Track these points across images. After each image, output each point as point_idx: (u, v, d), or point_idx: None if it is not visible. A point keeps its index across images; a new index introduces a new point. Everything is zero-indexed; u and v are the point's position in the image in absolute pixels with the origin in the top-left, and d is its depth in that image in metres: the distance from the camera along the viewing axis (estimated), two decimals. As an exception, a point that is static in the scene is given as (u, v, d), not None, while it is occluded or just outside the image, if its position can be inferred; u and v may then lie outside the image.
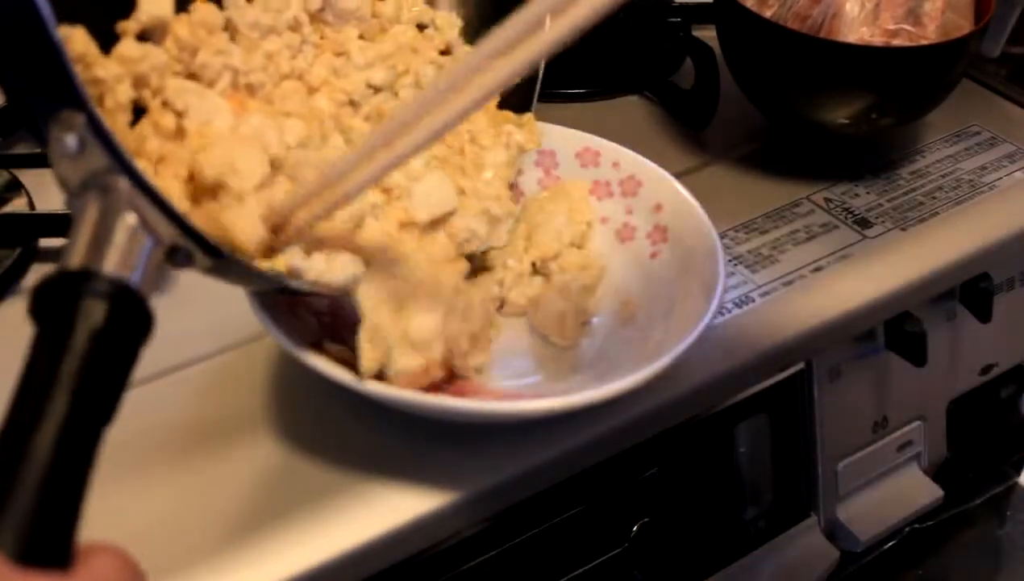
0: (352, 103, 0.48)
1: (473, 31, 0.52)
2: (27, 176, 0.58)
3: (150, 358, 0.48)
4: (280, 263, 0.40)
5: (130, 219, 0.32)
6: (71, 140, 0.31)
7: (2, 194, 0.58)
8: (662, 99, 0.66)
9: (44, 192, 0.57)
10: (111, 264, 0.30)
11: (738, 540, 0.55)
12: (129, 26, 0.42)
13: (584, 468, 0.47)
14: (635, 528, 0.51)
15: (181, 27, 0.43)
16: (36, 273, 0.52)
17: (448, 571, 0.45)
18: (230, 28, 0.45)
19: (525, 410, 0.42)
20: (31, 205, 0.57)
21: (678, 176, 0.51)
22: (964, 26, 0.57)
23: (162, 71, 0.41)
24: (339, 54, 0.48)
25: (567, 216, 0.51)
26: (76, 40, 0.39)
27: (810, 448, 0.57)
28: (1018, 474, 0.70)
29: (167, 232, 0.33)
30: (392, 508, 0.42)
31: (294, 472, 0.43)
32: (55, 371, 0.28)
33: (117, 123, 0.40)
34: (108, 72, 0.40)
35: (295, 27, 0.47)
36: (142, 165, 0.39)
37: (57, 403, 0.28)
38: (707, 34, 0.65)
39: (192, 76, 0.43)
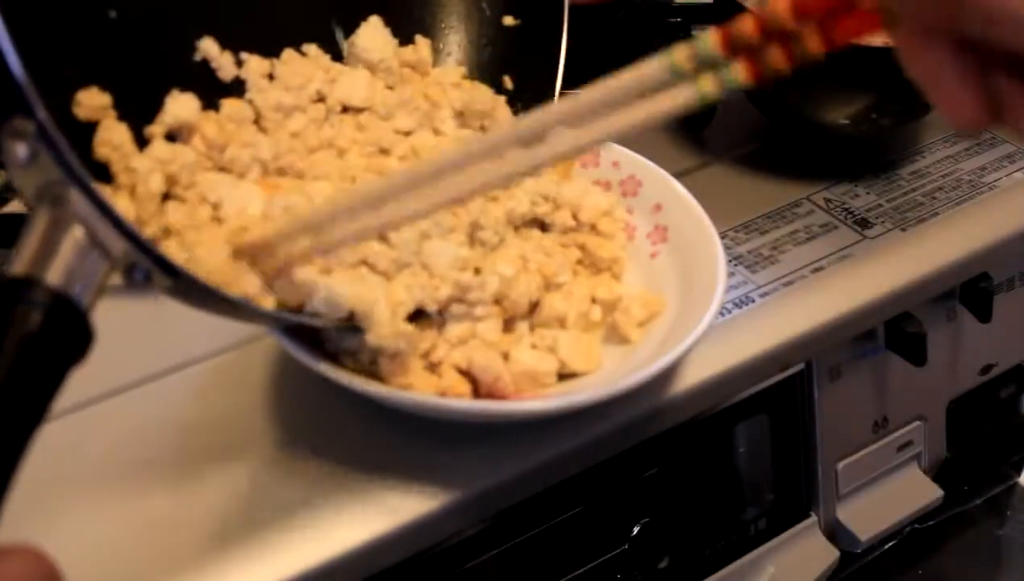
0: (383, 151, 0.47)
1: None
2: (27, 176, 0.58)
3: (150, 358, 0.48)
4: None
5: (77, 233, 0.31)
6: (21, 149, 0.31)
7: (2, 194, 0.58)
8: (662, 99, 0.66)
9: (44, 192, 0.57)
10: (54, 275, 0.30)
11: (738, 540, 0.55)
12: (155, 129, 0.43)
13: (584, 468, 0.47)
14: (635, 528, 0.51)
15: (208, 126, 0.43)
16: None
17: (448, 571, 0.45)
18: (257, 116, 0.46)
19: (525, 410, 0.42)
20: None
21: (678, 176, 0.51)
22: (964, 26, 0.57)
23: (192, 168, 0.42)
24: (360, 110, 0.48)
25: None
26: (117, 132, 0.40)
27: (810, 448, 0.57)
28: (1018, 474, 0.70)
29: (120, 248, 0.32)
30: (392, 508, 0.42)
31: (294, 472, 0.43)
32: None
33: (146, 210, 0.40)
34: (141, 164, 0.40)
35: (319, 99, 0.47)
36: (173, 244, 0.39)
37: None
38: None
39: (222, 169, 0.44)
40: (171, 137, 0.43)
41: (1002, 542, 0.69)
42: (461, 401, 0.42)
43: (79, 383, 0.46)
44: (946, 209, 0.59)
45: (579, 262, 0.48)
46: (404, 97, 0.49)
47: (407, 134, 0.48)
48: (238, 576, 0.40)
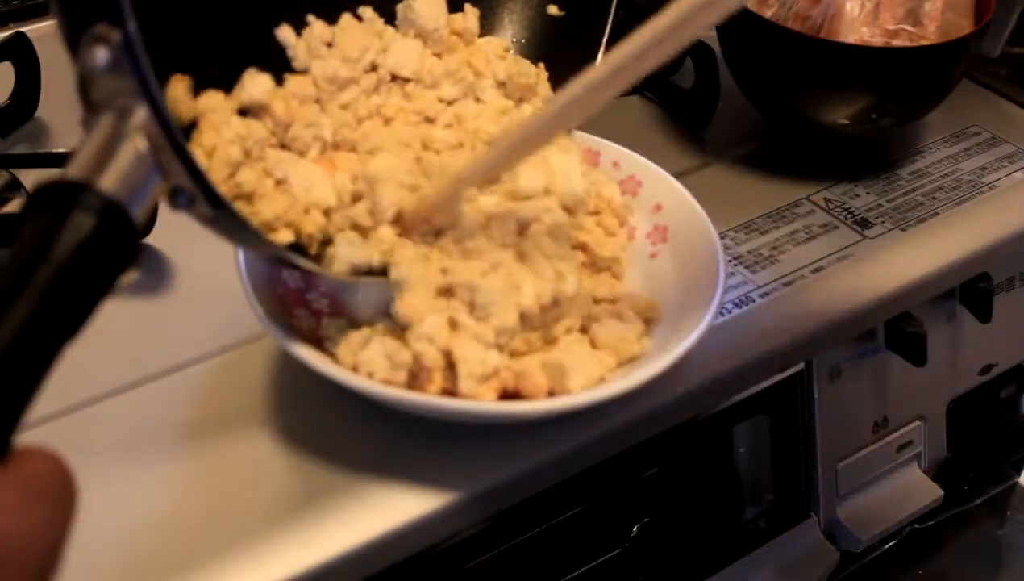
0: (428, 119, 0.49)
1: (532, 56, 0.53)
2: (27, 176, 0.58)
3: (151, 358, 0.48)
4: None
5: (140, 144, 0.32)
6: (102, 55, 0.31)
7: (2, 194, 0.58)
8: (662, 99, 0.66)
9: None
10: (109, 182, 0.30)
11: (738, 540, 0.55)
12: (230, 104, 0.44)
13: (584, 468, 0.47)
14: (635, 528, 0.51)
15: (278, 104, 0.45)
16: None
17: (448, 571, 0.45)
18: (318, 91, 0.47)
19: (525, 410, 0.42)
20: (31, 205, 0.57)
21: (678, 176, 0.51)
22: (964, 26, 0.57)
23: (262, 144, 0.43)
24: (408, 80, 0.49)
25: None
26: (215, 97, 0.43)
27: (810, 448, 0.57)
28: (1018, 474, 0.70)
29: (174, 170, 0.33)
30: (392, 508, 0.42)
31: (294, 472, 0.43)
32: (30, 273, 0.28)
33: (219, 174, 0.41)
34: (224, 135, 0.42)
35: (372, 68, 0.48)
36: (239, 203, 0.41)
37: (23, 304, 0.27)
38: (707, 34, 0.64)
39: (284, 146, 0.45)
40: (241, 111, 0.44)
41: (1002, 542, 0.69)
42: (461, 401, 0.42)
43: (79, 383, 0.46)
44: (946, 209, 0.59)
45: (581, 263, 0.48)
46: (450, 68, 0.49)
47: (450, 103, 0.49)
48: (238, 576, 0.40)
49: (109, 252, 0.30)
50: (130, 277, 0.53)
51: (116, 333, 0.50)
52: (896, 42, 0.56)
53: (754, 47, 0.59)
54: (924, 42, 0.56)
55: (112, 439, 0.45)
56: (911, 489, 0.62)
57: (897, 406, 0.61)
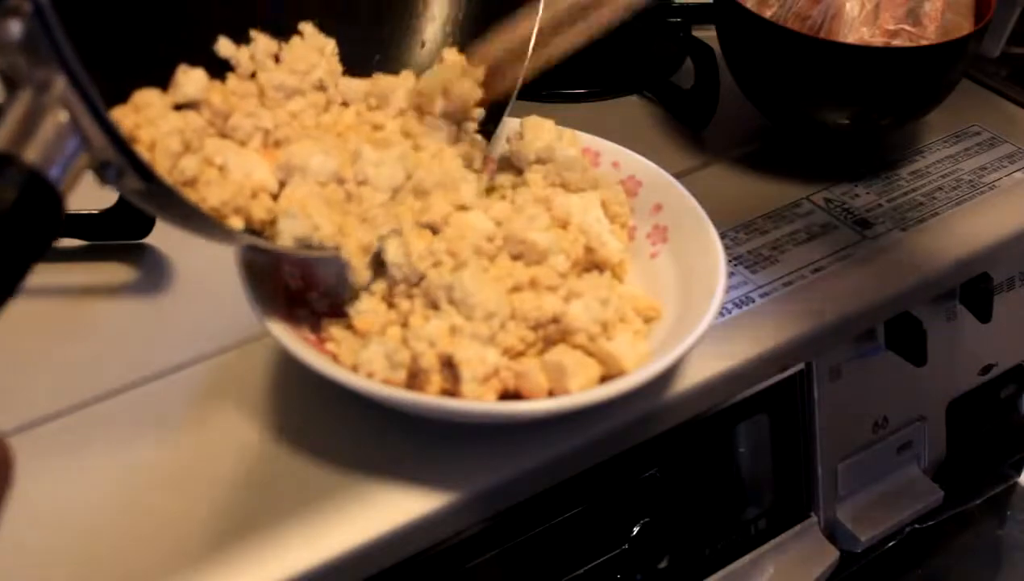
0: (377, 127, 0.48)
1: (465, 33, 0.52)
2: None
3: (151, 358, 0.48)
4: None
5: (60, 116, 0.31)
6: (15, 27, 0.30)
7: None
8: (662, 99, 0.66)
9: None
10: (32, 153, 0.30)
11: (738, 540, 0.55)
12: (166, 100, 0.43)
13: (584, 468, 0.47)
14: (635, 528, 0.51)
15: (215, 95, 0.44)
16: (36, 273, 0.52)
17: (448, 571, 0.45)
18: (260, 91, 0.47)
19: (525, 410, 0.42)
20: (31, 205, 0.57)
21: (678, 176, 0.51)
22: (964, 26, 0.57)
23: (200, 134, 0.43)
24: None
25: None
26: (150, 96, 0.42)
27: (810, 448, 0.57)
28: (1018, 474, 0.70)
29: (99, 142, 0.32)
30: (392, 508, 0.42)
31: (294, 472, 0.43)
32: None
33: (162, 165, 0.41)
34: (162, 128, 0.41)
35: (321, 87, 0.48)
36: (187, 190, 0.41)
37: None
38: (707, 34, 0.65)
39: (224, 136, 0.45)
40: (176, 105, 0.44)
41: (1002, 542, 0.69)
42: (462, 401, 0.42)
43: (79, 382, 0.46)
44: (946, 209, 0.59)
45: (583, 268, 0.48)
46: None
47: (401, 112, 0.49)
48: (238, 576, 0.40)
49: (33, 224, 0.30)
50: (129, 277, 0.53)
51: (116, 333, 0.50)
52: (896, 42, 0.56)
53: (754, 47, 0.59)
54: (924, 42, 0.56)
55: (112, 439, 0.45)
56: (911, 489, 0.62)
57: (897, 406, 0.61)
